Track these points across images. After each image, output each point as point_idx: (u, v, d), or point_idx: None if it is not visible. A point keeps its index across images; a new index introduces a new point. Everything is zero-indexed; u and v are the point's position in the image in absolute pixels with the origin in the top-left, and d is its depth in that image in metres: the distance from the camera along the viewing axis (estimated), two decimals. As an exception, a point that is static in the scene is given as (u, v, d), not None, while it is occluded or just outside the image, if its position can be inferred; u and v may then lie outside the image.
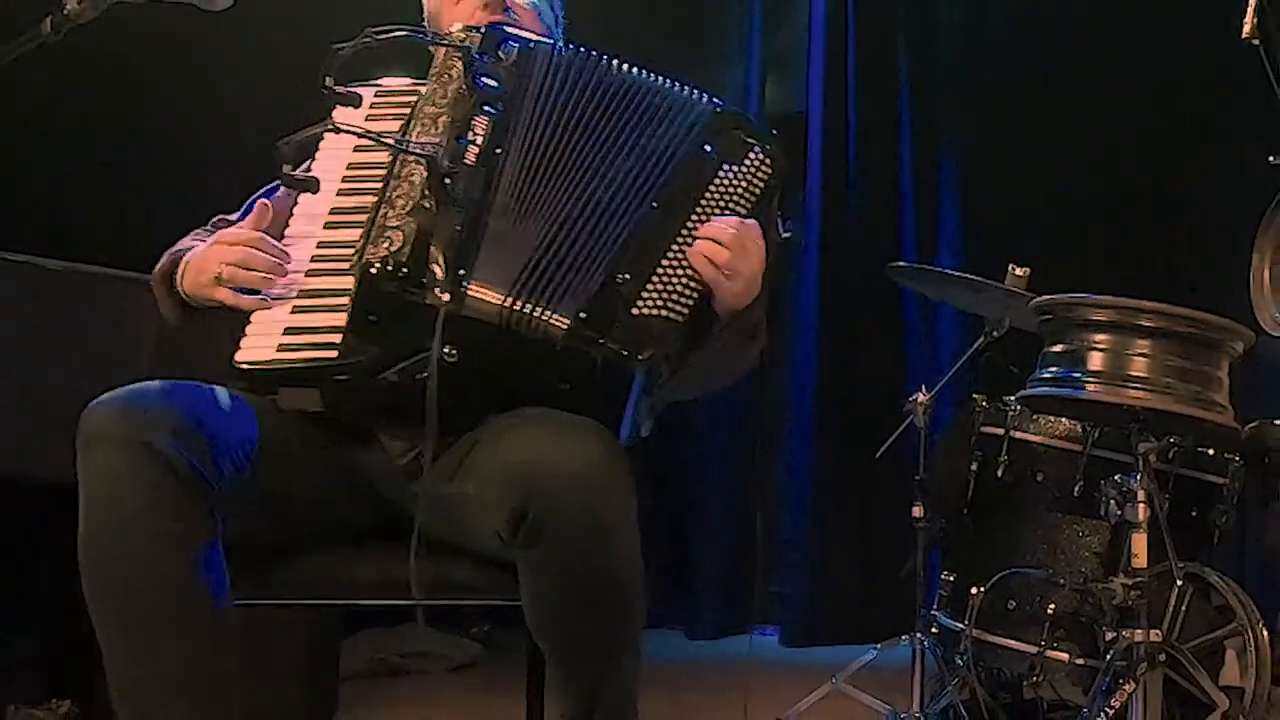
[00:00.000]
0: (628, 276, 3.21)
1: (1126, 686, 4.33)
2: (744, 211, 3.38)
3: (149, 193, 5.63)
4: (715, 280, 3.25)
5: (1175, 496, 4.87)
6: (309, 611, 5.43)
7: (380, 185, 3.27)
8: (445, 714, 5.97)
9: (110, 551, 2.99)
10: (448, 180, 3.17)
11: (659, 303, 3.21)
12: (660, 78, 3.50)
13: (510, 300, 3.17)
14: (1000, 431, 5.14)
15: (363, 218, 3.24)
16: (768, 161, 3.45)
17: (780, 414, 8.68)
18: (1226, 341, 4.38)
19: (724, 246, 3.25)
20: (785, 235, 3.55)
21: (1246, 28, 4.43)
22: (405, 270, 3.11)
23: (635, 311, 3.20)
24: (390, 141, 3.26)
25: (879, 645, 5.69)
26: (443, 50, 3.39)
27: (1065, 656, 4.82)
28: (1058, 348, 4.50)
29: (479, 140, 3.25)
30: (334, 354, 3.12)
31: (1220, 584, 4.78)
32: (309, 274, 3.23)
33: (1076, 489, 4.94)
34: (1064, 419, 5.00)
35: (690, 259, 3.25)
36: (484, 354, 3.22)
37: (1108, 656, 4.44)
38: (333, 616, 6.00)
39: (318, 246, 3.27)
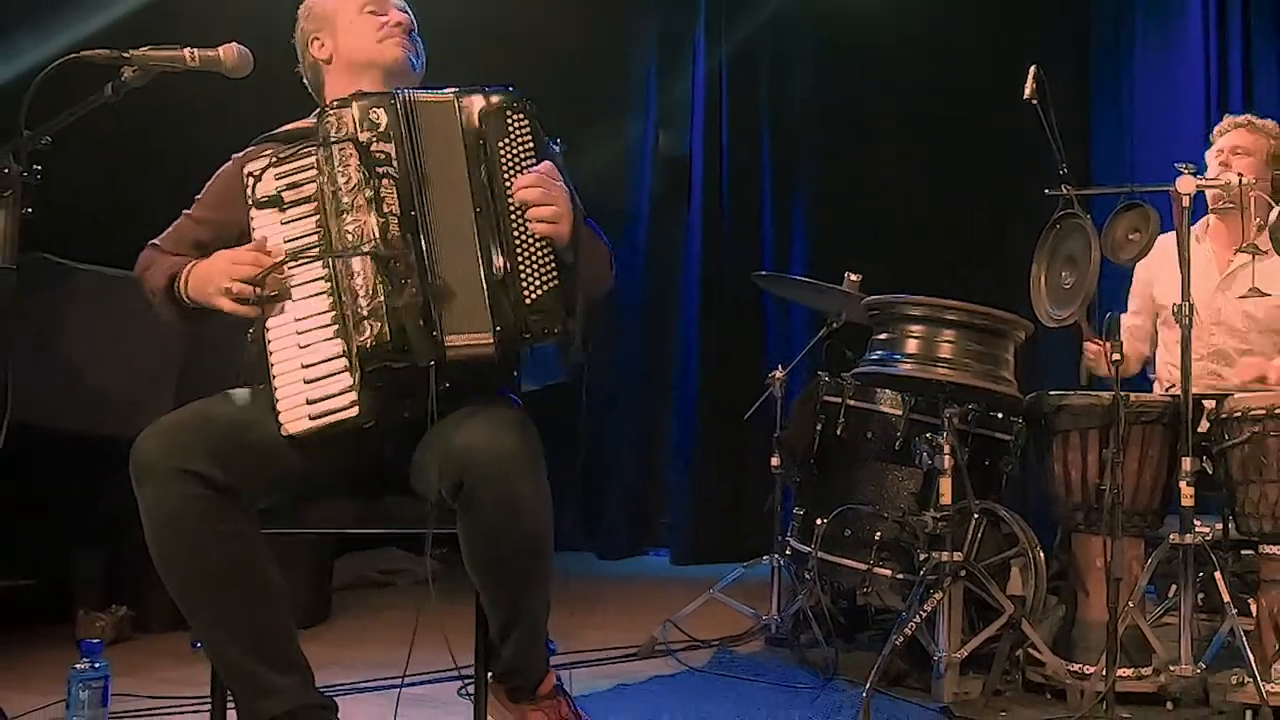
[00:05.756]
0: (500, 274, 3.13)
1: (936, 596, 4.34)
2: (534, 162, 3.22)
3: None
4: (555, 232, 3.16)
5: (973, 450, 4.87)
6: (310, 537, 5.42)
7: (323, 264, 3.17)
8: (412, 616, 5.92)
9: (174, 553, 3.00)
10: (392, 263, 3.08)
11: (539, 280, 3.13)
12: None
13: (490, 337, 3.11)
14: (839, 400, 5.12)
15: (324, 286, 3.16)
16: (521, 115, 3.25)
17: (670, 386, 8.77)
18: (1012, 331, 4.41)
19: (546, 203, 3.16)
20: (560, 150, 3.38)
21: (1027, 90, 4.44)
22: (390, 348, 3.04)
23: (529, 301, 3.12)
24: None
25: (746, 564, 5.68)
26: (330, 118, 3.19)
27: (889, 572, 4.81)
28: (883, 336, 4.51)
29: (394, 210, 3.12)
30: (356, 412, 3.07)
31: (1007, 517, 4.79)
32: (301, 346, 3.13)
33: (897, 444, 4.94)
34: (888, 390, 5.00)
35: (533, 230, 3.15)
36: (468, 370, 3.16)
37: (921, 572, 4.46)
38: (328, 541, 6.00)
39: (295, 319, 3.16)
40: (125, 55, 3.23)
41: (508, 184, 3.18)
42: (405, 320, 3.05)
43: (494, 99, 3.25)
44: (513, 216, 3.17)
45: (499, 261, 3.13)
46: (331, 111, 3.20)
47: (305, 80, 3.66)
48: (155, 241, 3.51)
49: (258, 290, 3.15)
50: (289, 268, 3.19)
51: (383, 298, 3.06)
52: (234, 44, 3.28)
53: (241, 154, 3.46)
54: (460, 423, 3.06)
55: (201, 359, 5.17)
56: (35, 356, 4.83)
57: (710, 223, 8.76)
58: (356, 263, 3.09)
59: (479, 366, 3.16)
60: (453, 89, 3.28)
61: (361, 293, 3.07)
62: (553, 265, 3.16)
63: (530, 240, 3.16)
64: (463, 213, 3.17)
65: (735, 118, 8.88)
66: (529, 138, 3.24)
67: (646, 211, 8.80)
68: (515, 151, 3.22)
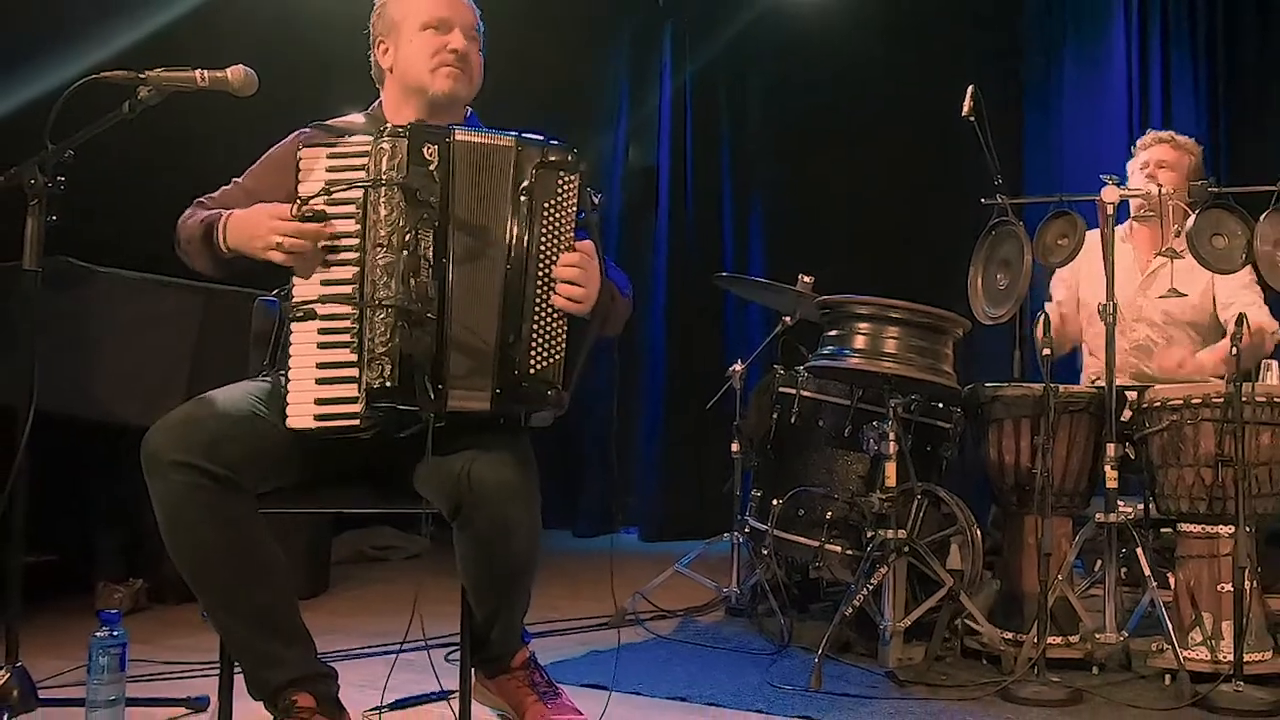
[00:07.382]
0: (513, 339, 3.03)
1: (882, 570, 4.35)
2: (572, 230, 3.12)
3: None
4: (577, 310, 3.09)
5: (916, 436, 4.89)
6: (311, 516, 5.43)
7: (355, 274, 3.05)
8: (404, 590, 5.94)
9: (181, 541, 3.01)
10: (414, 308, 2.97)
11: (547, 352, 3.05)
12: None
13: (487, 397, 3.05)
14: (793, 391, 5.13)
15: (349, 289, 3.04)
16: (572, 177, 3.11)
17: (639, 380, 8.80)
18: (951, 328, 4.42)
19: (579, 284, 3.09)
20: (597, 202, 3.18)
21: (965, 108, 4.47)
22: (397, 394, 2.98)
23: (533, 370, 3.03)
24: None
25: (708, 541, 5.71)
26: (385, 145, 3.05)
27: (839, 549, 4.82)
28: (833, 332, 4.51)
29: (428, 255, 2.99)
30: (357, 423, 3.03)
31: (947, 498, 4.81)
32: (319, 345, 3.06)
33: (847, 431, 4.95)
34: (837, 382, 5.01)
35: (554, 303, 3.06)
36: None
37: (868, 549, 4.46)
38: (326, 520, 6.01)
39: (320, 319, 3.06)
40: (141, 76, 3.25)
41: (542, 248, 3.06)
42: (415, 370, 2.98)
43: (551, 156, 3.09)
44: (539, 282, 3.06)
45: (515, 325, 3.04)
46: (387, 139, 3.06)
47: (371, 73, 3.55)
48: (201, 199, 3.43)
49: (304, 245, 3.06)
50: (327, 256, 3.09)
51: (398, 341, 2.97)
52: (241, 66, 3.30)
53: (300, 134, 3.37)
54: (463, 452, 3.04)
55: (210, 354, 5.19)
56: (58, 352, 4.81)
57: (675, 228, 8.84)
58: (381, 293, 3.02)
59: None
60: (514, 134, 3.12)
61: (381, 329, 2.98)
62: (563, 337, 3.08)
63: (549, 311, 3.07)
64: (493, 268, 3.05)
65: (698, 132, 8.97)
66: (574, 204, 3.11)
67: (616, 218, 8.82)
68: (558, 216, 3.09)
